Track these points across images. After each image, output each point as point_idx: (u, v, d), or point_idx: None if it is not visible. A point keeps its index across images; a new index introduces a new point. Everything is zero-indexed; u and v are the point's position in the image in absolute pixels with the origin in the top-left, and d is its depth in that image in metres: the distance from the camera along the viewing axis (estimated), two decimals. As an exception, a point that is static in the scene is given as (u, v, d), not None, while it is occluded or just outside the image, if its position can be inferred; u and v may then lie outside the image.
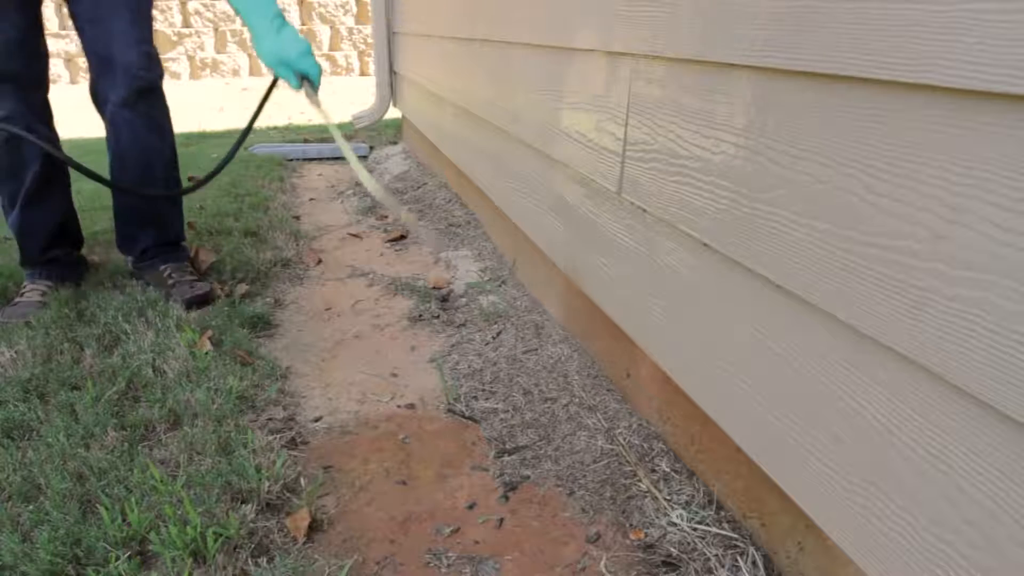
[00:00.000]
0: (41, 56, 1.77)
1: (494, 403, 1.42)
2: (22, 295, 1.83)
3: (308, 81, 1.65)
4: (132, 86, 1.75)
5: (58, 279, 1.90)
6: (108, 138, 1.83)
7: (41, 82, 1.77)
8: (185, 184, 2.00)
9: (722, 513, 1.07)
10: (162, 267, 1.91)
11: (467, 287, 1.96)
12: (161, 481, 1.12)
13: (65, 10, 1.79)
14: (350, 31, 9.11)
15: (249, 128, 1.84)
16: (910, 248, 0.60)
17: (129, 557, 0.99)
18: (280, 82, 1.71)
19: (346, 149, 1.70)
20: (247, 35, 8.86)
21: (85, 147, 2.02)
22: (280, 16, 1.62)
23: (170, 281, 1.88)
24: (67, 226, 1.93)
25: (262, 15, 1.59)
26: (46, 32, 1.79)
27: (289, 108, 5.87)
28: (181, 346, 1.55)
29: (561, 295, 1.69)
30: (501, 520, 1.11)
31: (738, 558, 0.98)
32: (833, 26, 0.66)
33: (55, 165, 1.83)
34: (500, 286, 1.96)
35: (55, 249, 1.90)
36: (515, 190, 1.75)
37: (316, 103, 1.67)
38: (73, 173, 1.76)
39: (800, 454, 0.76)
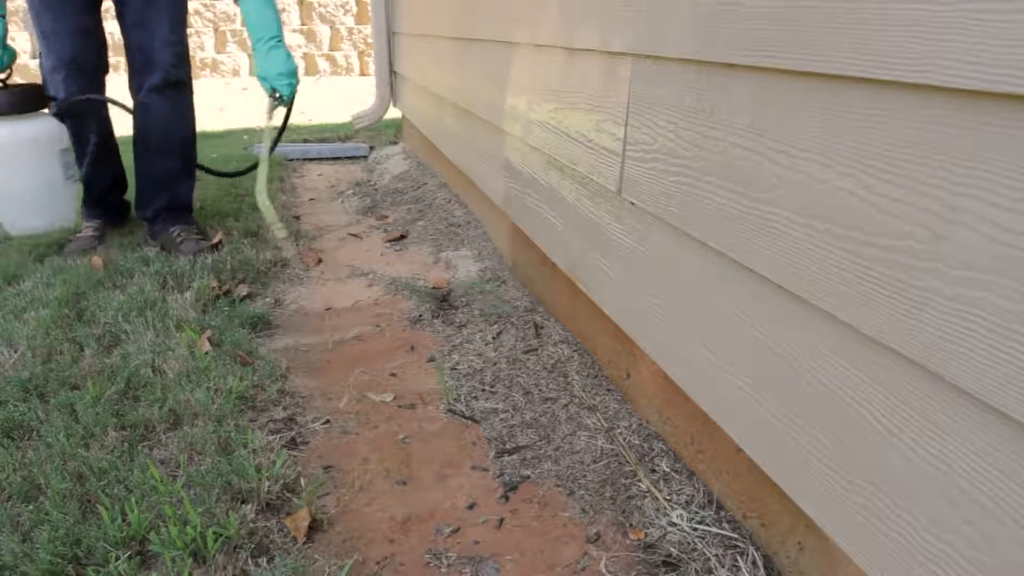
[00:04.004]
0: (103, 45, 2.17)
1: (494, 403, 1.42)
2: (80, 233, 2.29)
3: (278, 97, 2.10)
4: (164, 79, 2.12)
5: (109, 220, 2.40)
6: (135, 116, 2.20)
7: (102, 66, 2.17)
8: (202, 162, 2.46)
9: (722, 513, 1.07)
10: (171, 228, 2.25)
11: (467, 287, 1.96)
12: (161, 481, 1.12)
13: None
14: (350, 31, 9.11)
15: (274, 146, 2.32)
16: (910, 248, 0.60)
17: (129, 557, 0.99)
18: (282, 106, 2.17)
19: (264, 158, 2.25)
20: (247, 35, 8.88)
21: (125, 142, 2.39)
22: (276, 38, 2.03)
23: (179, 239, 2.20)
24: (118, 179, 2.43)
25: (259, 36, 2.03)
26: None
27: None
28: (181, 346, 1.55)
29: (561, 295, 1.69)
30: (501, 520, 1.11)
31: (738, 558, 0.98)
32: (833, 26, 0.66)
33: (109, 133, 2.30)
34: (500, 286, 1.95)
35: (109, 196, 2.40)
36: (515, 190, 1.75)
37: (269, 115, 2.16)
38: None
39: (800, 454, 0.76)
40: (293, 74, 2.07)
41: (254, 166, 2.37)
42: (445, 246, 2.35)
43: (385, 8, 3.62)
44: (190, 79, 2.22)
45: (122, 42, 2.14)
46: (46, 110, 2.06)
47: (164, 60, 2.10)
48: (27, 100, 1.98)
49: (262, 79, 2.07)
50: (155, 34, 2.08)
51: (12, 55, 2.03)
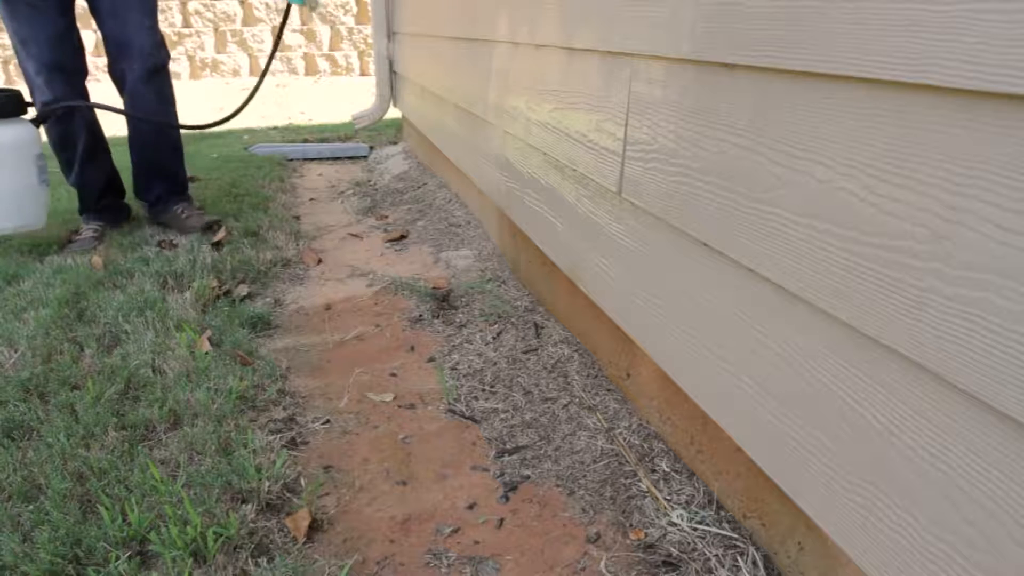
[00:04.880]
0: (79, 49, 2.24)
1: (494, 403, 1.42)
2: (80, 234, 2.34)
3: None
4: (146, 65, 2.23)
5: (108, 221, 2.44)
6: (126, 107, 2.31)
7: (81, 70, 2.24)
8: (201, 152, 2.72)
9: (722, 513, 1.07)
10: (175, 207, 2.43)
11: (467, 287, 1.96)
12: (161, 481, 1.12)
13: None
14: (350, 31, 9.11)
15: (271, 58, 2.58)
16: (910, 248, 0.60)
17: (129, 557, 0.99)
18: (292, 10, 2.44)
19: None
20: (247, 35, 8.86)
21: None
22: None
23: (183, 215, 2.39)
24: (112, 181, 2.48)
25: None
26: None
27: (289, 108, 5.88)
28: (181, 346, 1.56)
29: (561, 295, 1.69)
30: (501, 520, 1.11)
31: (738, 558, 0.98)
32: (832, 26, 0.66)
33: (98, 135, 2.36)
34: (500, 286, 1.96)
35: (105, 199, 2.45)
36: (515, 190, 1.75)
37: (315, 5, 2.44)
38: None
39: (800, 454, 0.76)
40: None
41: (231, 117, 2.61)
42: (445, 246, 2.35)
43: (385, 8, 3.63)
44: (168, 63, 2.34)
45: (98, 47, 2.22)
46: (25, 116, 2.13)
47: (143, 46, 2.21)
48: (5, 106, 2.05)
49: None
50: (129, 21, 2.18)
51: None
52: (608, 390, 1.42)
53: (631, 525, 1.07)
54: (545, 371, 1.52)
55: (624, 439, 1.27)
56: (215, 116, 5.46)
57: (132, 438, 1.26)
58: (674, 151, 0.97)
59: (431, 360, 1.61)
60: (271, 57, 2.61)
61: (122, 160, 2.53)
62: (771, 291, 0.79)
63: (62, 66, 2.16)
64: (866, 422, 0.67)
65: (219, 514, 1.05)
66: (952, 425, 0.57)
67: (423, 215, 2.71)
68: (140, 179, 2.46)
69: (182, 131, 2.47)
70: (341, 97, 6.63)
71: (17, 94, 2.10)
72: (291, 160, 3.86)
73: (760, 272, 0.81)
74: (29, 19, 2.08)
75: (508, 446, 1.29)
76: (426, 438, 1.33)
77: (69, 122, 2.24)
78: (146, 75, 2.24)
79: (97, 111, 2.33)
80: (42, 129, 2.20)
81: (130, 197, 2.59)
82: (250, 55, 8.94)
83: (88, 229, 2.37)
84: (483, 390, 1.47)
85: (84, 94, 2.27)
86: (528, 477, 1.20)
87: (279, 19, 8.86)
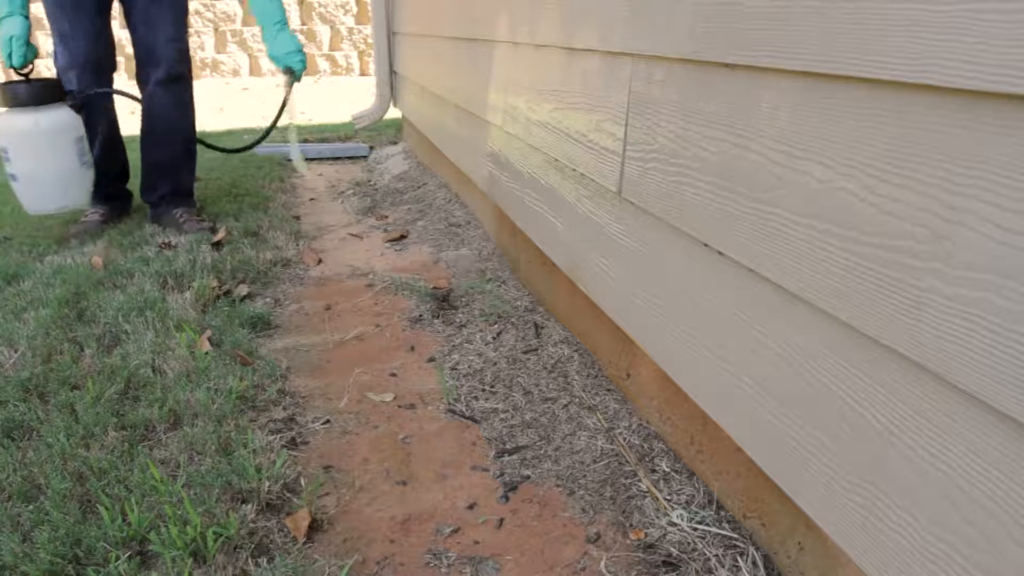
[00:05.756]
0: (112, 46, 2.40)
1: (494, 403, 1.42)
2: (87, 216, 2.47)
3: (290, 72, 2.46)
4: (168, 72, 2.36)
5: (112, 208, 2.55)
6: (144, 107, 2.43)
7: (111, 66, 2.39)
8: (200, 152, 2.69)
9: (722, 513, 1.07)
10: (175, 211, 2.49)
11: (467, 287, 1.96)
12: (161, 481, 1.12)
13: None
14: (350, 31, 9.11)
15: (275, 122, 2.68)
16: (910, 248, 0.60)
17: (129, 557, 0.99)
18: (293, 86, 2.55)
19: (292, 138, 2.83)
20: (247, 35, 8.86)
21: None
22: (280, 23, 2.38)
23: (181, 220, 2.45)
24: (122, 170, 2.58)
25: (266, 23, 2.37)
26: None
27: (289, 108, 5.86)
28: (181, 346, 1.55)
29: (561, 295, 1.69)
30: (501, 520, 1.11)
31: (738, 558, 0.98)
32: (832, 26, 0.66)
33: (114, 125, 2.47)
34: (500, 286, 1.95)
35: (111, 187, 2.54)
36: (515, 190, 1.75)
37: (288, 88, 2.53)
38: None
39: (800, 454, 0.76)
40: (300, 51, 2.43)
41: (256, 142, 2.71)
42: (445, 246, 2.35)
43: (385, 8, 3.63)
44: (190, 74, 2.45)
45: (127, 44, 2.30)
46: (63, 102, 2.23)
47: (167, 56, 2.34)
48: (47, 93, 2.17)
49: (274, 59, 2.40)
50: (159, 32, 2.31)
51: (35, 52, 2.17)
52: (608, 390, 1.42)
53: (631, 525, 1.07)
54: (545, 371, 1.52)
55: (624, 439, 1.27)
56: (215, 116, 5.47)
57: (132, 438, 1.26)
58: (674, 151, 0.97)
59: (431, 360, 1.61)
60: (278, 115, 2.66)
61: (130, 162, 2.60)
62: (771, 291, 0.79)
63: (94, 62, 2.28)
64: (866, 422, 0.66)
65: (219, 514, 1.05)
66: (952, 425, 0.57)
67: (423, 215, 2.71)
68: (147, 179, 2.53)
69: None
70: (341, 97, 6.63)
71: (56, 82, 2.21)
72: (291, 160, 3.86)
73: (760, 272, 0.80)
74: (71, 14, 2.21)
75: (508, 446, 1.29)
76: (426, 438, 1.33)
77: (92, 113, 2.34)
78: (166, 81, 2.36)
79: (116, 106, 2.47)
80: None
81: (135, 199, 2.66)
82: (250, 55, 8.94)
83: (94, 212, 2.47)
84: (483, 390, 1.47)
85: (111, 87, 2.39)
86: (528, 477, 1.20)
87: None
